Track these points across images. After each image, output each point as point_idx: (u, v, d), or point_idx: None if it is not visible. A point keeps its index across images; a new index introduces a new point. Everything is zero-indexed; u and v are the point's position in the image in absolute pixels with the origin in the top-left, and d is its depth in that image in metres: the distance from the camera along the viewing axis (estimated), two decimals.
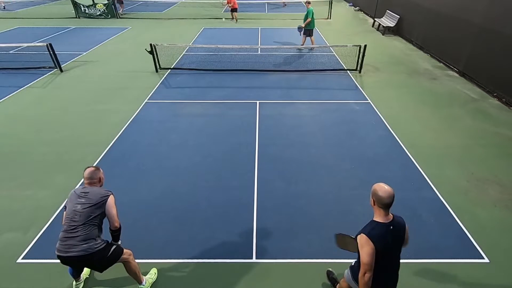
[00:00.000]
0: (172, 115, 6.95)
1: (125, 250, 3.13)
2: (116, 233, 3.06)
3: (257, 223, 4.17)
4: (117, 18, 17.28)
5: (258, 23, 16.21)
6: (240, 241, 3.93)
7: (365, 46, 8.97)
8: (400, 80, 8.86)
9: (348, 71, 9.48)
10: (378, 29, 14.56)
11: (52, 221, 4.21)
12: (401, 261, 3.41)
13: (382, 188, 2.26)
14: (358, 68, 9.37)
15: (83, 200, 2.83)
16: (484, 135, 6.14)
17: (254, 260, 3.69)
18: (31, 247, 3.84)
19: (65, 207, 2.92)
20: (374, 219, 2.34)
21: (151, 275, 3.46)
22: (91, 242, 2.80)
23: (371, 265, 2.21)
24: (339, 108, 7.25)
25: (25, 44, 10.81)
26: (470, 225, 4.13)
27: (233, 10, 16.22)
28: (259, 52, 11.39)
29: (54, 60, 9.40)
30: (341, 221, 4.19)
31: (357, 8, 19.95)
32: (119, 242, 3.16)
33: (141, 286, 3.32)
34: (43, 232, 4.05)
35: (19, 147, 5.78)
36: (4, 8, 20.52)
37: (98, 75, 9.22)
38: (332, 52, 11.32)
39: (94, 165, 4.78)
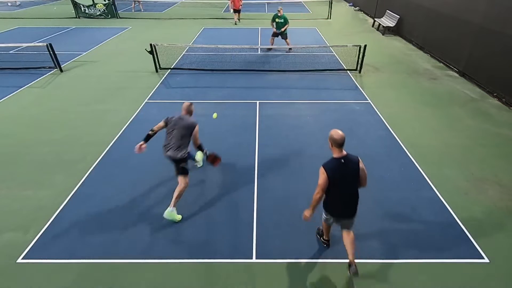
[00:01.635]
0: (172, 115, 6.92)
1: (187, 180, 4.29)
2: (199, 148, 4.78)
3: (257, 223, 4.17)
4: (117, 18, 17.29)
5: (258, 23, 16.20)
6: (240, 241, 3.93)
7: (365, 46, 8.98)
8: (400, 80, 8.86)
9: (348, 71, 9.48)
10: (378, 29, 14.56)
11: (52, 221, 4.21)
12: (400, 260, 3.64)
13: (337, 133, 3.04)
14: (358, 68, 9.37)
15: (179, 124, 4.22)
16: (484, 135, 6.14)
17: (254, 260, 3.69)
18: (31, 247, 3.84)
19: (165, 123, 4.29)
20: (332, 156, 3.11)
21: (176, 217, 4.15)
22: (181, 152, 4.20)
23: (323, 187, 3.09)
24: (339, 108, 7.25)
25: (25, 44, 10.82)
26: (470, 225, 4.13)
27: (236, 11, 15.87)
28: (259, 52, 11.39)
29: (54, 60, 9.40)
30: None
31: (357, 8, 19.96)
32: (205, 150, 4.93)
33: (169, 208, 4.12)
34: (43, 232, 4.05)
35: (19, 147, 5.78)
36: (19, 4, 20.85)
37: (98, 75, 9.21)
38: (332, 52, 11.32)
39: (96, 162, 5.22)
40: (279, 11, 10.82)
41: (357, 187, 3.19)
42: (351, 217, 3.32)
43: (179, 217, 4.21)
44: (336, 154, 3.08)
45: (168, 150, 4.20)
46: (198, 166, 5.13)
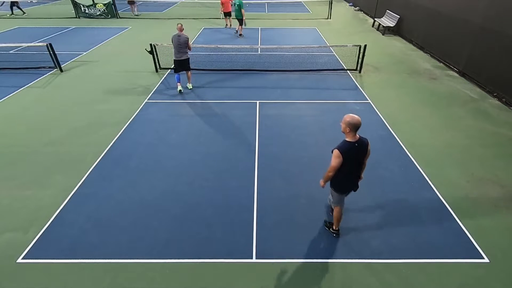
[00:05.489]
0: (172, 115, 6.95)
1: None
2: (189, 49, 7.72)
3: (257, 223, 4.17)
4: (117, 18, 17.28)
5: (258, 23, 16.19)
6: (240, 241, 3.93)
7: (365, 46, 8.98)
8: (400, 80, 8.86)
9: (348, 71, 9.48)
10: (378, 29, 14.56)
11: (52, 221, 4.21)
12: (400, 260, 3.71)
13: (355, 118, 3.16)
14: (358, 68, 9.37)
15: (179, 38, 7.42)
16: (484, 135, 6.14)
17: (254, 260, 3.69)
18: (31, 247, 3.84)
19: (172, 41, 7.49)
20: (345, 139, 3.29)
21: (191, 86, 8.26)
22: (185, 54, 7.67)
23: (335, 169, 3.31)
24: (339, 108, 7.25)
25: (25, 44, 10.81)
26: (470, 225, 4.13)
27: (226, 14, 14.77)
28: (259, 52, 11.39)
29: (54, 60, 9.40)
30: (341, 221, 4.19)
31: (357, 8, 19.96)
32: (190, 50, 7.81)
33: (189, 84, 8.19)
34: (43, 232, 4.05)
35: (19, 147, 5.78)
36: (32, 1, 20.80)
37: (98, 75, 9.22)
38: (332, 52, 11.32)
39: (96, 162, 5.30)
40: None
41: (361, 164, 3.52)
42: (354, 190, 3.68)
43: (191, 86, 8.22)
44: (350, 138, 3.24)
45: (180, 56, 7.58)
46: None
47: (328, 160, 5.54)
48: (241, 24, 13.26)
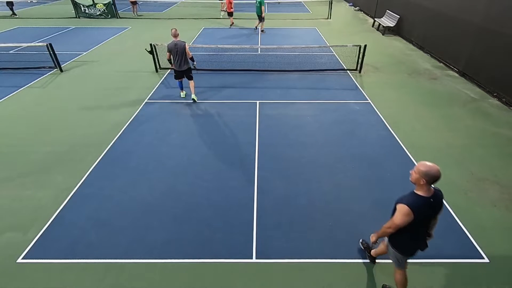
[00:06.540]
0: (172, 115, 6.95)
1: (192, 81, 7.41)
2: (192, 59, 7.15)
3: (257, 223, 4.17)
4: (117, 18, 17.27)
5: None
6: (240, 241, 3.93)
7: (365, 46, 8.97)
8: (400, 80, 8.86)
9: (348, 71, 9.48)
10: (378, 29, 14.56)
11: (52, 221, 4.21)
12: None
13: (433, 169, 2.42)
14: (358, 68, 9.36)
15: (178, 48, 6.82)
16: (484, 135, 6.14)
17: (254, 260, 3.69)
18: (31, 247, 3.85)
19: (169, 50, 6.91)
20: (416, 192, 2.56)
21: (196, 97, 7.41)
22: (187, 65, 7.11)
23: (399, 228, 2.62)
24: (339, 108, 7.25)
25: (25, 44, 10.79)
26: (470, 225, 4.13)
27: (229, 14, 15.01)
28: (259, 52, 11.39)
29: (54, 60, 9.40)
30: (341, 221, 4.20)
31: (357, 8, 19.95)
32: (195, 63, 7.50)
33: (193, 95, 7.34)
34: (43, 232, 4.05)
35: (19, 147, 5.78)
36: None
37: (98, 75, 9.22)
38: (332, 52, 11.32)
39: (96, 162, 5.21)
40: None
41: None
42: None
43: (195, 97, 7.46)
44: (424, 192, 2.52)
45: (180, 66, 7.03)
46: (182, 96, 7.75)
47: (329, 159, 5.60)
48: (260, 20, 13.86)
